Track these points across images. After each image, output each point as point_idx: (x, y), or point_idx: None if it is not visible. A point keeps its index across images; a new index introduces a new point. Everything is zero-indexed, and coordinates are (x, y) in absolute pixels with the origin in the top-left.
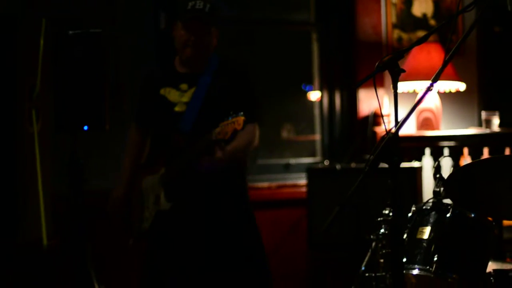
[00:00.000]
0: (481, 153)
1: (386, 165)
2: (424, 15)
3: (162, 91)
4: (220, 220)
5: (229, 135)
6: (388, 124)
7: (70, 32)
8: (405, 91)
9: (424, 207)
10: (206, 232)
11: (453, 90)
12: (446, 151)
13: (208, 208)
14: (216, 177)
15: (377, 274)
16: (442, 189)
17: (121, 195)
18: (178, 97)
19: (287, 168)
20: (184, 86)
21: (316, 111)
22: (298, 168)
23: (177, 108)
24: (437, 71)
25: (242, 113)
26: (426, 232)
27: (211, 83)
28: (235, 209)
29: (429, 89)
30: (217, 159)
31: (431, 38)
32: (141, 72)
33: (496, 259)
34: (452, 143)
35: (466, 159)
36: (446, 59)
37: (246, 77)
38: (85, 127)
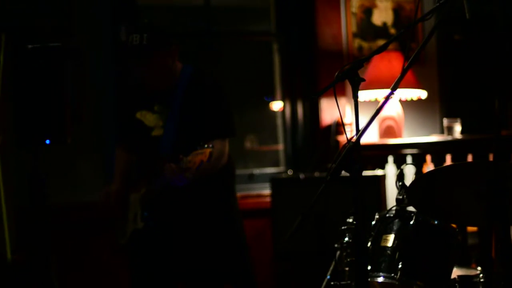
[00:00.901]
0: (444, 160)
1: (348, 174)
2: (384, 24)
3: (138, 115)
4: (200, 242)
5: (196, 165)
6: (350, 133)
7: (29, 46)
8: (367, 99)
9: (387, 215)
10: (185, 245)
11: (414, 98)
12: (409, 159)
13: (187, 228)
14: (193, 197)
15: (342, 282)
16: (405, 196)
17: (113, 191)
18: (154, 120)
19: (251, 179)
20: (158, 108)
21: (279, 121)
22: (262, 178)
23: (154, 133)
24: (397, 79)
25: (211, 145)
26: (390, 239)
27: (184, 103)
28: (217, 229)
29: (389, 97)
30: (180, 169)
31: (391, 46)
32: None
33: (461, 265)
34: (414, 151)
35: (429, 166)
36: (405, 66)
37: (217, 92)
38: (47, 141)
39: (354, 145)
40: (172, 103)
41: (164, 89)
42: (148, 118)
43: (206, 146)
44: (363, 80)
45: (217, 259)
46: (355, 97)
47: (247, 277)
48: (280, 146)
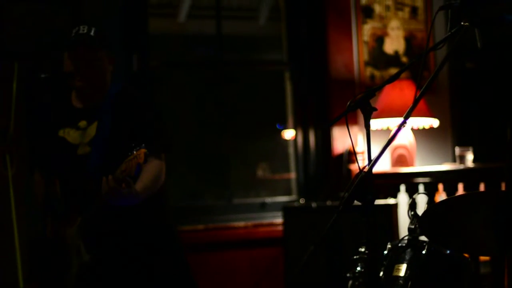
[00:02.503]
0: (456, 189)
1: (360, 203)
2: (396, 52)
3: (61, 133)
4: (143, 267)
5: (133, 171)
6: (362, 161)
7: (42, 75)
8: (379, 128)
9: (399, 244)
10: (129, 280)
11: (426, 127)
12: (421, 188)
13: (128, 255)
14: (131, 219)
15: None
16: (417, 226)
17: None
18: (79, 137)
19: (263, 207)
20: (83, 124)
21: (291, 150)
22: (274, 207)
23: (80, 151)
24: (409, 108)
25: (143, 145)
26: (402, 269)
27: (112, 118)
28: (159, 252)
29: (402, 126)
30: (117, 181)
31: (403, 75)
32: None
33: None
34: (427, 180)
35: (441, 195)
36: (417, 96)
37: (147, 107)
38: None
39: (367, 175)
40: (101, 117)
41: (91, 103)
42: (72, 135)
43: (138, 148)
44: (375, 109)
45: None
46: (367, 126)
47: None
48: (292, 175)
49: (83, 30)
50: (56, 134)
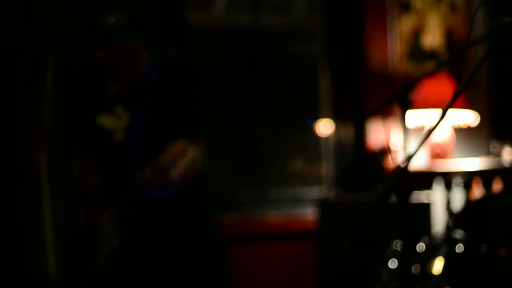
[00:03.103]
0: (492, 185)
1: (396, 198)
2: (434, 48)
3: (98, 119)
4: (177, 255)
5: (169, 163)
6: (397, 156)
7: (77, 62)
8: (415, 123)
9: (435, 240)
10: (162, 271)
11: (464, 125)
12: (457, 183)
13: (163, 245)
14: (168, 209)
15: None
16: (453, 221)
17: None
18: (115, 124)
19: (297, 200)
20: (119, 110)
21: (325, 143)
22: (306, 200)
23: (116, 137)
24: (447, 104)
25: (180, 138)
26: (437, 265)
27: (149, 104)
28: (193, 242)
29: (439, 122)
30: (153, 172)
31: (441, 70)
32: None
33: None
34: (462, 176)
35: (477, 191)
36: (456, 92)
37: (186, 93)
38: None
39: (404, 170)
40: (137, 103)
41: (129, 88)
42: (109, 121)
43: (175, 140)
44: (413, 103)
45: (193, 283)
46: (404, 120)
47: None
48: (326, 168)
49: (111, 22)
50: (93, 120)
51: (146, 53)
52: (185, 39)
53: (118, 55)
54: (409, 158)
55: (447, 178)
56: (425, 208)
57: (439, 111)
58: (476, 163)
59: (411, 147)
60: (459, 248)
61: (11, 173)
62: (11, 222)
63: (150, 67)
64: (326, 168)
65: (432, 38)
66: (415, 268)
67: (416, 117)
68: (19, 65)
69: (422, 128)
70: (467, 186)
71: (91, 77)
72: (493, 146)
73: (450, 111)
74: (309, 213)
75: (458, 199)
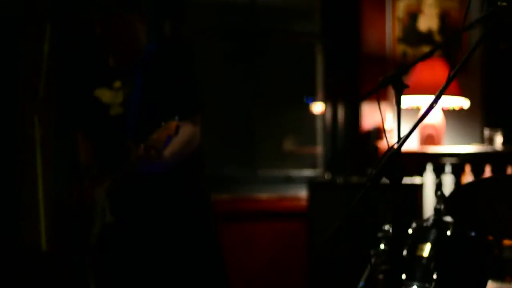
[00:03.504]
0: (483, 171)
1: (387, 181)
2: (430, 30)
3: (96, 93)
4: (168, 234)
5: (163, 142)
6: (390, 138)
7: (74, 37)
8: (409, 106)
9: (424, 224)
10: (153, 248)
11: (457, 107)
12: (448, 168)
13: (155, 220)
14: (161, 185)
15: None
16: (443, 206)
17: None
18: (112, 98)
19: (288, 180)
20: (117, 84)
21: (319, 124)
22: (299, 180)
23: (112, 112)
24: (441, 88)
25: (176, 117)
26: (426, 249)
27: (146, 80)
28: (186, 219)
29: (432, 105)
30: (147, 149)
31: (436, 53)
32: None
33: (496, 278)
34: (454, 160)
35: (468, 177)
36: (450, 75)
37: (182, 69)
38: None
39: (396, 152)
40: (135, 79)
41: (127, 63)
42: (106, 95)
43: (170, 119)
44: (407, 86)
45: (185, 267)
46: (399, 103)
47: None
48: (319, 149)
49: None
50: (91, 94)
51: (143, 27)
52: (182, 15)
53: (115, 28)
54: (402, 140)
55: (438, 162)
56: (417, 189)
57: (432, 95)
58: (467, 149)
59: (404, 130)
60: (448, 232)
61: (7, 144)
62: (4, 194)
63: (148, 42)
64: (319, 149)
65: (428, 20)
66: (405, 251)
67: (410, 100)
68: (18, 37)
69: (416, 110)
70: (458, 171)
71: (89, 51)
72: (486, 133)
73: (443, 97)
74: (300, 194)
75: (448, 183)
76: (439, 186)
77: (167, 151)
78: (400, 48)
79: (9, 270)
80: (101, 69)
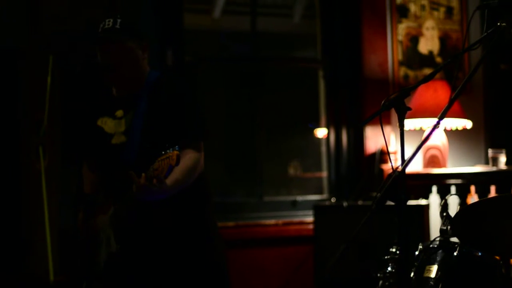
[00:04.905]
0: (488, 191)
1: (393, 203)
2: (431, 53)
3: (99, 122)
4: (174, 263)
5: (165, 171)
6: (394, 161)
7: (78, 68)
8: (412, 128)
9: (431, 246)
10: (158, 277)
11: (459, 128)
12: (453, 189)
13: (160, 249)
14: (165, 214)
15: None
16: (449, 227)
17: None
18: (115, 127)
19: (294, 205)
20: (119, 113)
21: (323, 148)
22: (305, 205)
23: (114, 140)
24: (444, 108)
25: (177, 147)
26: (433, 270)
27: (148, 107)
28: (192, 245)
29: (436, 126)
30: (148, 179)
31: (437, 75)
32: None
33: None
34: (459, 181)
35: (473, 197)
36: (452, 97)
37: (185, 96)
38: None
39: (400, 175)
40: (136, 107)
41: (129, 92)
42: (109, 125)
43: (171, 149)
44: (410, 109)
45: None
46: (401, 126)
47: None
48: (324, 173)
49: (108, 24)
50: (94, 123)
51: (144, 55)
52: (184, 44)
53: (117, 57)
54: (406, 162)
55: (443, 184)
56: (423, 211)
57: (435, 117)
58: (472, 169)
59: (408, 152)
60: (455, 252)
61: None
62: (11, 223)
63: (150, 71)
64: (324, 174)
65: (428, 43)
66: (412, 273)
67: (413, 122)
68: (21, 69)
69: (419, 131)
70: (463, 192)
71: (91, 81)
72: (490, 154)
73: (446, 119)
74: (306, 218)
75: (454, 204)
76: (444, 207)
77: (170, 180)
78: (402, 71)
79: None
80: (104, 98)
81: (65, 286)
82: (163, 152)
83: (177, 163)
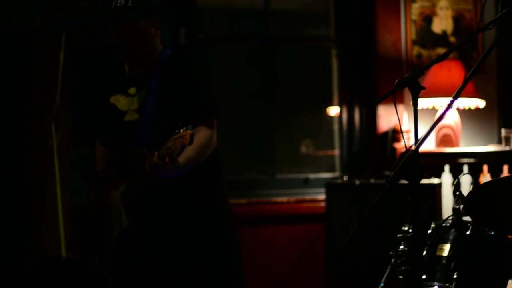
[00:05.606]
0: (501, 171)
1: (405, 181)
2: (444, 32)
3: (112, 99)
4: (186, 240)
5: (178, 150)
6: (407, 140)
7: (89, 45)
8: (425, 107)
9: (443, 224)
10: (170, 254)
11: (472, 107)
12: (465, 168)
13: (172, 226)
14: (177, 191)
15: None
16: (461, 206)
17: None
18: (127, 104)
19: (306, 183)
20: (132, 90)
21: (335, 127)
22: (317, 183)
23: (127, 118)
24: (458, 88)
25: (190, 126)
26: (446, 249)
27: (160, 85)
28: (203, 226)
29: (450, 105)
30: (161, 158)
31: (451, 55)
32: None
33: None
34: (471, 160)
35: (485, 177)
36: (467, 76)
37: (197, 75)
38: None
39: (414, 153)
40: (149, 84)
41: (142, 69)
42: (122, 102)
43: (185, 128)
44: (424, 88)
45: (203, 271)
46: (415, 105)
47: None
48: (336, 152)
49: (121, 2)
50: (107, 100)
51: (157, 33)
52: (197, 22)
53: (130, 34)
54: (420, 141)
55: (456, 163)
56: (435, 190)
57: (448, 97)
58: (484, 149)
59: (421, 131)
60: (468, 231)
61: (25, 152)
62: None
63: (162, 49)
64: (336, 152)
65: (442, 22)
66: (425, 252)
67: (426, 102)
68: (35, 46)
69: (432, 111)
70: (476, 171)
71: (104, 58)
72: (503, 133)
73: (459, 98)
74: (318, 196)
75: (466, 184)
76: (457, 186)
77: (182, 157)
78: (415, 50)
79: (30, 278)
80: (117, 76)
81: (77, 263)
82: (176, 131)
83: (191, 142)
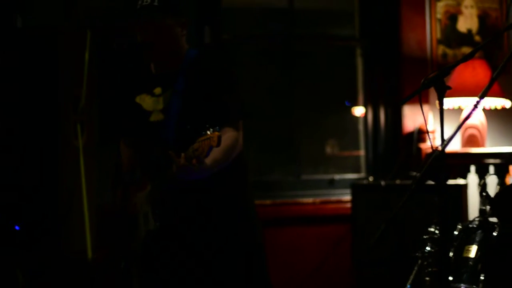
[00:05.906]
0: None
1: (432, 183)
2: (469, 31)
3: (137, 99)
4: (211, 241)
5: (205, 152)
6: (433, 140)
7: (115, 44)
8: (450, 107)
9: (470, 225)
10: (196, 255)
11: (498, 107)
12: (491, 169)
13: (198, 227)
14: (203, 193)
15: None
16: (488, 207)
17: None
18: (153, 104)
19: (332, 184)
20: (158, 90)
21: (361, 127)
22: (342, 184)
23: (153, 118)
24: (485, 88)
25: (217, 128)
26: (473, 250)
27: (186, 85)
28: (229, 227)
29: (476, 106)
30: (188, 159)
31: (476, 54)
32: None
33: None
34: (497, 161)
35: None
36: (493, 76)
37: (224, 75)
38: None
39: (440, 154)
40: (175, 84)
41: (168, 69)
42: (147, 102)
43: (212, 130)
44: (450, 88)
45: (229, 269)
46: (441, 105)
47: None
48: (361, 152)
49: (146, 1)
50: (132, 100)
51: (183, 32)
52: (222, 21)
53: (156, 34)
54: (446, 141)
55: (482, 163)
56: (461, 191)
57: (474, 97)
58: (511, 150)
59: (446, 131)
60: (495, 233)
61: (50, 153)
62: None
63: (188, 49)
64: (362, 152)
65: (467, 21)
66: (451, 253)
67: (451, 102)
68: (60, 45)
69: (457, 111)
70: (502, 172)
71: (130, 57)
72: None
73: (485, 98)
74: (344, 197)
75: (492, 184)
76: (483, 187)
77: (209, 159)
78: (440, 49)
79: (56, 278)
80: (142, 75)
81: (103, 263)
82: (203, 133)
83: (218, 144)
